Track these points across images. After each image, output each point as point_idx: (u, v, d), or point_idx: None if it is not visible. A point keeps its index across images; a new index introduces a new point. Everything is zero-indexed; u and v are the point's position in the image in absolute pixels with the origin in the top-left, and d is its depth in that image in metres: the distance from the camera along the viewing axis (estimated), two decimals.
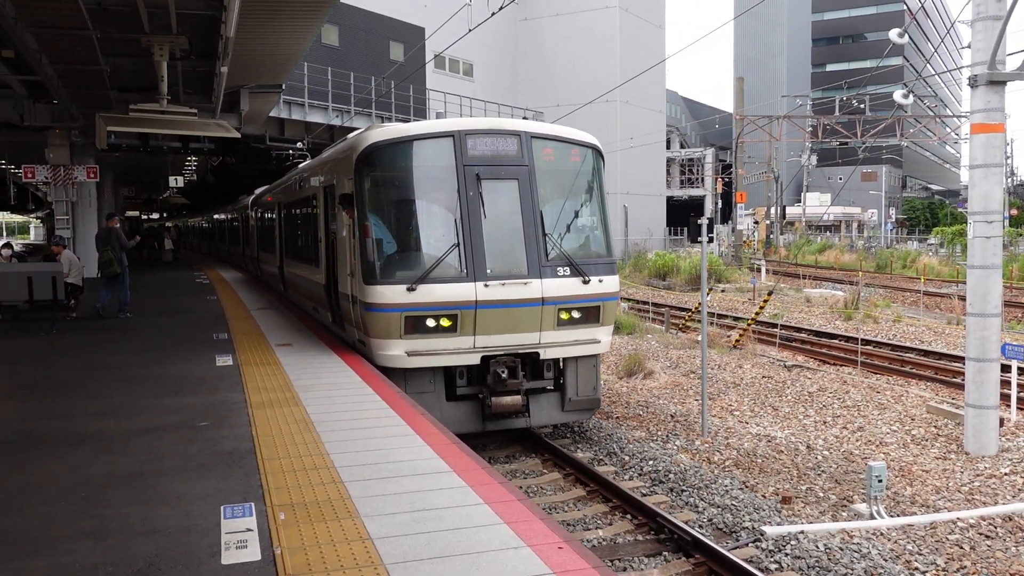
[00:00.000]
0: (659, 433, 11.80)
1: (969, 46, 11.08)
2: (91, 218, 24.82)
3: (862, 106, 48.37)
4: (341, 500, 5.06)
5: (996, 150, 10.79)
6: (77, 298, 15.13)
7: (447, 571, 4.05)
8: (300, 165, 18.21)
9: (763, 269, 38.19)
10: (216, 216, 40.58)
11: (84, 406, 7.76)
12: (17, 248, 29.09)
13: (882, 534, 8.08)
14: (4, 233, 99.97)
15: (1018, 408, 11.95)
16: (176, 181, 38.90)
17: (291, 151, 30.08)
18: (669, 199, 66.74)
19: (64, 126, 21.33)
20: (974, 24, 10.78)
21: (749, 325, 19.67)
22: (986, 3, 10.55)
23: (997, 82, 10.60)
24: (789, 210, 78.04)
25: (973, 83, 10.75)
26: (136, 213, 57.88)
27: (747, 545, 7.57)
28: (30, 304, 13.79)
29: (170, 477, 5.53)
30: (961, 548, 7.78)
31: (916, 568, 7.32)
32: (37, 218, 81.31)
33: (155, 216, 71.03)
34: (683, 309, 24.69)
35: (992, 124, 10.69)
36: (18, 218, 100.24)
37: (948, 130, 51.33)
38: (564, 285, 9.93)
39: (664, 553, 7.45)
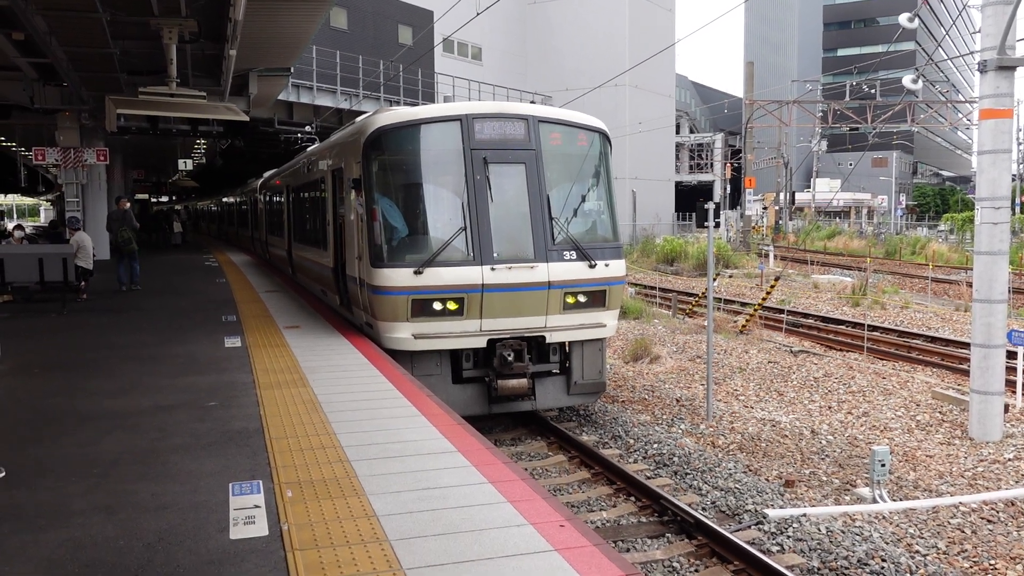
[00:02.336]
0: (664, 417, 11.87)
1: (980, 31, 11.04)
2: (101, 200, 24.93)
3: (873, 91, 48.05)
4: (347, 478, 5.14)
5: (1005, 136, 10.76)
6: (87, 280, 15.27)
7: (450, 547, 4.12)
8: (308, 149, 18.26)
9: (771, 255, 38.12)
10: (225, 199, 40.67)
11: (96, 385, 7.87)
12: (28, 230, 29.24)
13: (884, 518, 8.14)
14: (15, 215, 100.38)
15: (1023, 394, 11.97)
16: (185, 164, 38.94)
17: (300, 134, 30.11)
18: (678, 184, 66.62)
19: (74, 109, 21.37)
20: (984, 9, 10.74)
21: (756, 310, 19.70)
22: None
23: (1007, 67, 10.56)
24: (798, 196, 77.75)
25: (983, 68, 10.71)
26: (146, 196, 58.05)
27: (749, 527, 7.64)
28: (41, 285, 13.92)
29: (180, 455, 5.62)
30: (962, 532, 7.84)
31: (917, 551, 7.38)
32: (47, 200, 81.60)
33: (164, 199, 71.17)
34: (690, 294, 24.71)
35: (1001, 110, 10.66)
36: (28, 200, 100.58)
37: (960, 116, 50.91)
38: (570, 269, 9.97)
39: (667, 535, 7.53)
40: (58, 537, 4.26)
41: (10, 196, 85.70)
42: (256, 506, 4.66)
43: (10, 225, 31.86)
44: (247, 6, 12.38)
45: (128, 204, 17.67)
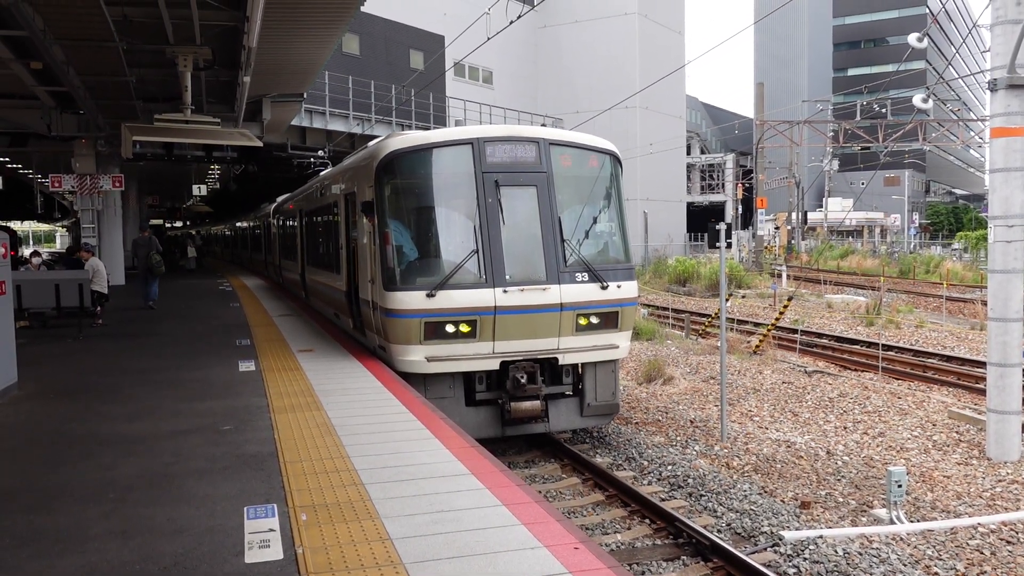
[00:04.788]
0: (678, 438, 11.81)
1: (990, 50, 11.05)
2: (116, 227, 25.16)
3: (884, 110, 48.04)
4: (361, 502, 5.15)
5: (1017, 154, 10.73)
6: (103, 305, 15.39)
7: (465, 570, 4.12)
8: (321, 173, 18.41)
9: (784, 275, 38.00)
10: (239, 224, 40.97)
11: (112, 410, 7.92)
12: (44, 256, 29.53)
13: (902, 539, 8.06)
14: (31, 241, 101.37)
15: None
16: (199, 189, 39.34)
17: (312, 159, 30.38)
18: (689, 205, 66.66)
19: (90, 136, 21.68)
20: (993, 28, 10.76)
21: (769, 331, 19.62)
22: (1005, 7, 10.51)
23: (1017, 86, 10.56)
24: (811, 215, 77.47)
25: (993, 87, 10.71)
26: (160, 221, 58.59)
27: (765, 550, 7.58)
28: (57, 311, 14.04)
29: (195, 479, 5.65)
30: (981, 553, 7.75)
31: (936, 573, 7.30)
32: (63, 227, 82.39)
33: (179, 224, 71.83)
34: (703, 315, 24.65)
35: (1013, 128, 10.64)
36: (44, 227, 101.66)
37: (972, 134, 50.78)
38: (582, 291, 9.98)
39: (682, 557, 7.47)
40: (75, 562, 4.29)
41: (26, 223, 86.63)
42: (271, 530, 4.68)
43: (27, 252, 32.17)
44: (261, 34, 12.55)
45: (149, 233, 19.48)
